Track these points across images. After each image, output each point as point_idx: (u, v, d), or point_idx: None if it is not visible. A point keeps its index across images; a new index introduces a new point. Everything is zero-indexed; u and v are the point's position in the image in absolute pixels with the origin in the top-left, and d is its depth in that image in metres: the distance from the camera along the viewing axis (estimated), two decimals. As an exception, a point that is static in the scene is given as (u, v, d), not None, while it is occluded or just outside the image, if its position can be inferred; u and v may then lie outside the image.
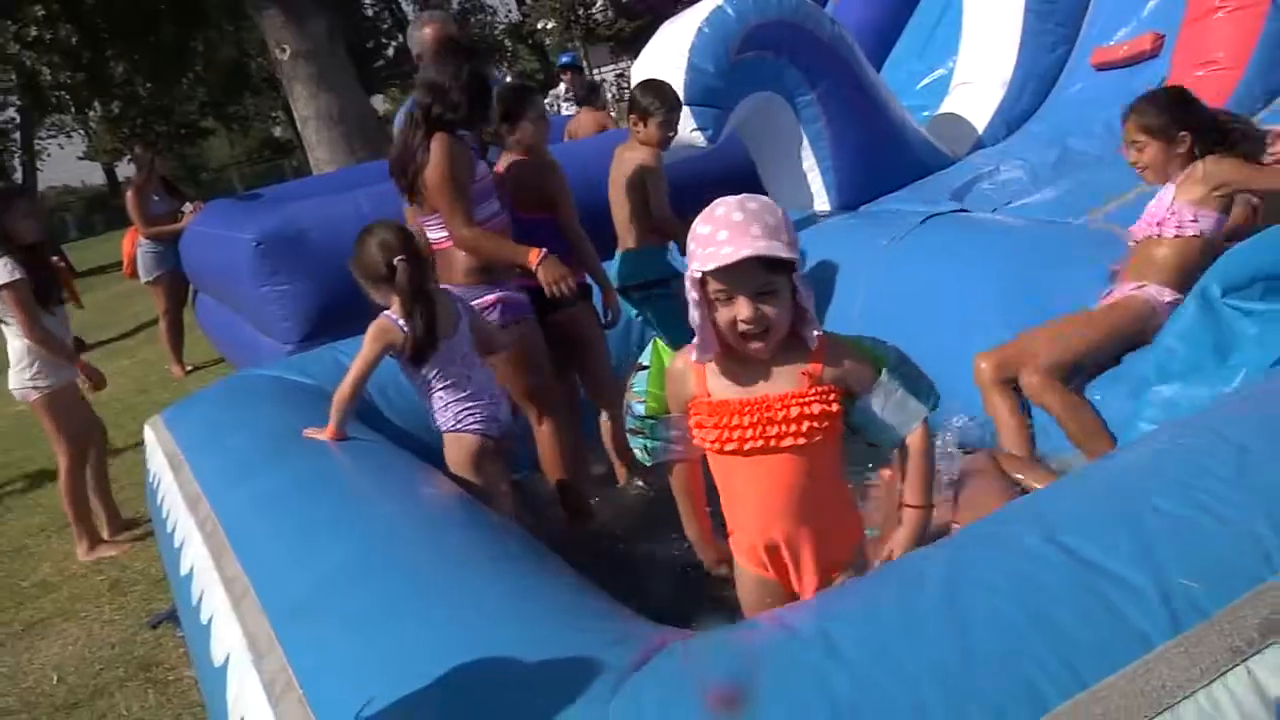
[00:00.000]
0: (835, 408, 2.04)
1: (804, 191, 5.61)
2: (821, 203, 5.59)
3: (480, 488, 3.26)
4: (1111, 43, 6.00)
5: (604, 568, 3.46)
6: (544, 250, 3.63)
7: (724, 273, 1.92)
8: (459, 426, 3.34)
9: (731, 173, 5.96)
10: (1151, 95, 3.58)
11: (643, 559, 3.66)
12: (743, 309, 1.94)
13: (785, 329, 2.00)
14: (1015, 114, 6.28)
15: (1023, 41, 6.32)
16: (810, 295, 2.00)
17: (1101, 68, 5.97)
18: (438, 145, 3.60)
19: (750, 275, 1.92)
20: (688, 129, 5.10)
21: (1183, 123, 3.42)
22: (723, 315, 1.97)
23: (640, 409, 2.23)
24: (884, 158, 5.65)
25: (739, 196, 1.97)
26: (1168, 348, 2.82)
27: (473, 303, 3.63)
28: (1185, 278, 3.32)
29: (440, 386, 3.32)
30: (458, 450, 3.35)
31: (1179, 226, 3.39)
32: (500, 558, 2.44)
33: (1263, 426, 1.94)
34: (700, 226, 1.96)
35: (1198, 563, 1.61)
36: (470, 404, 3.34)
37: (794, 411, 2.01)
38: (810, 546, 2.13)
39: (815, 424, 2.01)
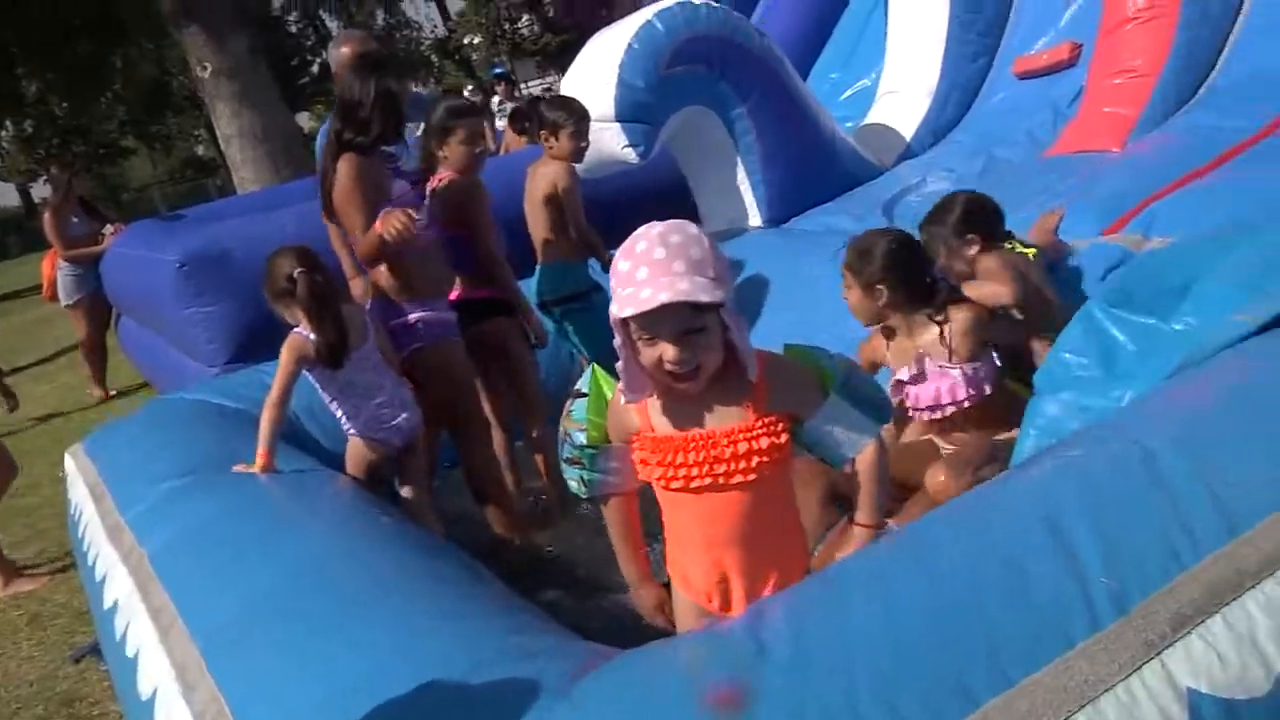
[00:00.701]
0: (784, 438, 1.93)
1: (736, 204, 5.63)
2: (753, 215, 5.62)
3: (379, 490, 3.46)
4: (1032, 52, 6.12)
5: (535, 583, 3.44)
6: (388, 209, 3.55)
7: (645, 316, 1.78)
8: (366, 434, 3.51)
9: (663, 187, 6.00)
10: (869, 238, 3.32)
11: (575, 574, 3.63)
12: (668, 351, 1.80)
13: (716, 366, 1.86)
14: (941, 123, 6.37)
15: (947, 51, 6.41)
16: (743, 327, 1.88)
17: (1023, 76, 6.09)
18: (344, 166, 3.60)
19: (674, 316, 1.77)
20: (619, 145, 5.10)
21: (882, 276, 3.21)
22: (648, 355, 1.83)
23: (581, 438, 2.12)
24: (814, 170, 5.69)
25: (663, 227, 1.82)
26: (1056, 360, 2.86)
27: (395, 321, 3.69)
28: (1014, 409, 3.18)
29: (354, 393, 3.46)
30: (361, 455, 3.52)
31: (981, 385, 3.24)
32: (431, 578, 2.43)
33: (1170, 430, 2.00)
34: (620, 263, 1.82)
35: (1114, 562, 1.66)
36: (381, 412, 3.50)
37: (742, 448, 1.90)
38: (761, 575, 2.03)
39: (764, 458, 1.91)
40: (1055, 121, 5.48)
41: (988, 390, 3.25)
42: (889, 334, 3.37)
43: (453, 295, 4.07)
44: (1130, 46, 4.95)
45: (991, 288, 3.36)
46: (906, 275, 3.24)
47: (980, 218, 3.60)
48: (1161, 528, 1.71)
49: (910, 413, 3.38)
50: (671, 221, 1.85)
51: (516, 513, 4.06)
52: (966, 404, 3.25)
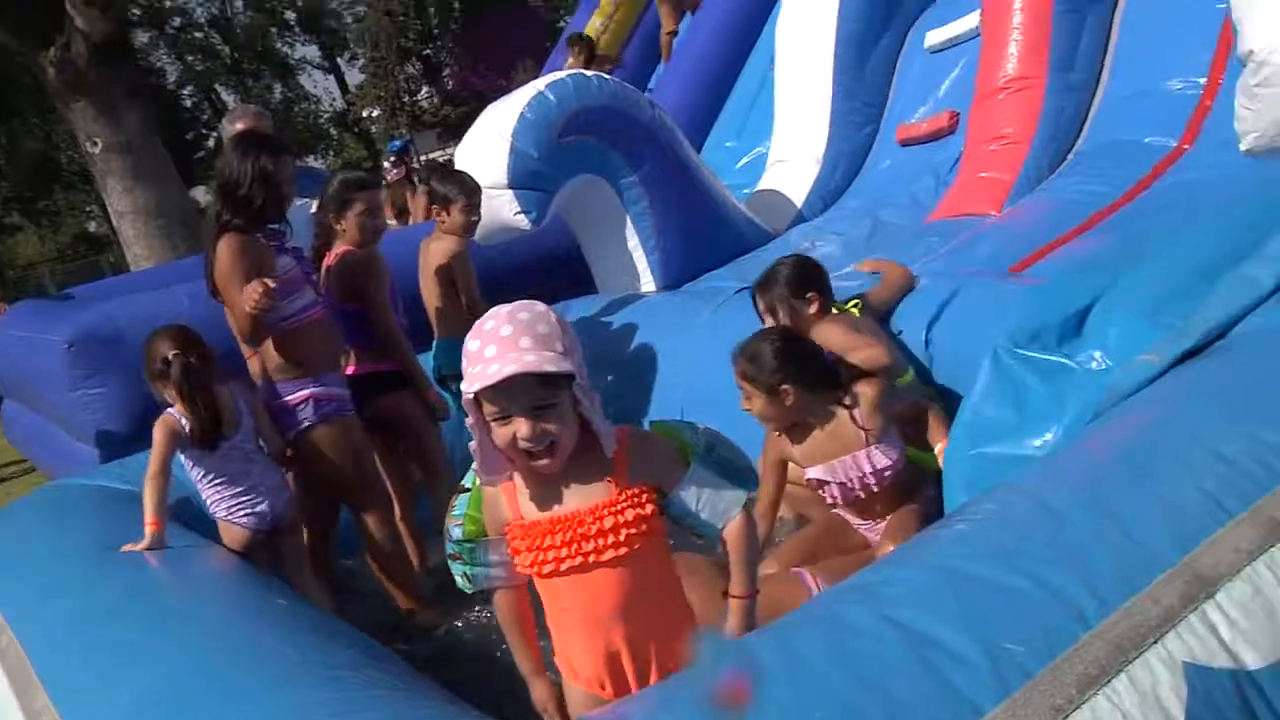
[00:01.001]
0: (650, 509, 1.94)
1: (629, 271, 5.72)
2: (647, 282, 5.71)
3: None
4: (913, 120, 6.35)
5: (440, 661, 3.42)
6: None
7: (495, 392, 1.80)
8: (230, 518, 3.57)
9: (557, 254, 6.07)
10: (756, 343, 3.19)
11: (482, 652, 3.58)
12: (521, 427, 1.82)
13: (572, 442, 1.89)
14: (830, 189, 6.56)
15: (832, 120, 6.63)
16: (595, 401, 1.90)
17: (905, 143, 6.31)
18: (223, 246, 3.58)
19: (524, 392, 1.81)
20: (511, 212, 5.16)
21: (783, 376, 3.11)
22: (502, 435, 1.85)
23: (458, 532, 2.10)
24: (706, 236, 5.81)
25: (511, 306, 1.88)
26: (973, 409, 2.93)
27: (285, 399, 3.70)
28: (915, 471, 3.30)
29: (217, 480, 3.53)
30: (229, 539, 3.57)
31: (898, 454, 3.20)
32: (331, 665, 2.36)
33: (1074, 490, 2.02)
34: (470, 342, 1.85)
35: (1020, 627, 1.67)
36: (244, 498, 3.56)
37: (608, 523, 1.90)
38: (651, 650, 2.02)
39: (632, 530, 1.91)
40: (937, 186, 5.68)
41: (902, 458, 3.22)
42: (798, 433, 3.25)
43: (349, 369, 4.06)
44: (1002, 115, 5.18)
45: (864, 354, 3.37)
46: (807, 367, 3.16)
47: (812, 276, 3.68)
48: (1068, 588, 1.72)
49: (830, 501, 3.29)
50: (521, 301, 1.90)
51: (420, 590, 4.01)
52: (890, 476, 3.19)
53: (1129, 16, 5.15)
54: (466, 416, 1.92)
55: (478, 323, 1.88)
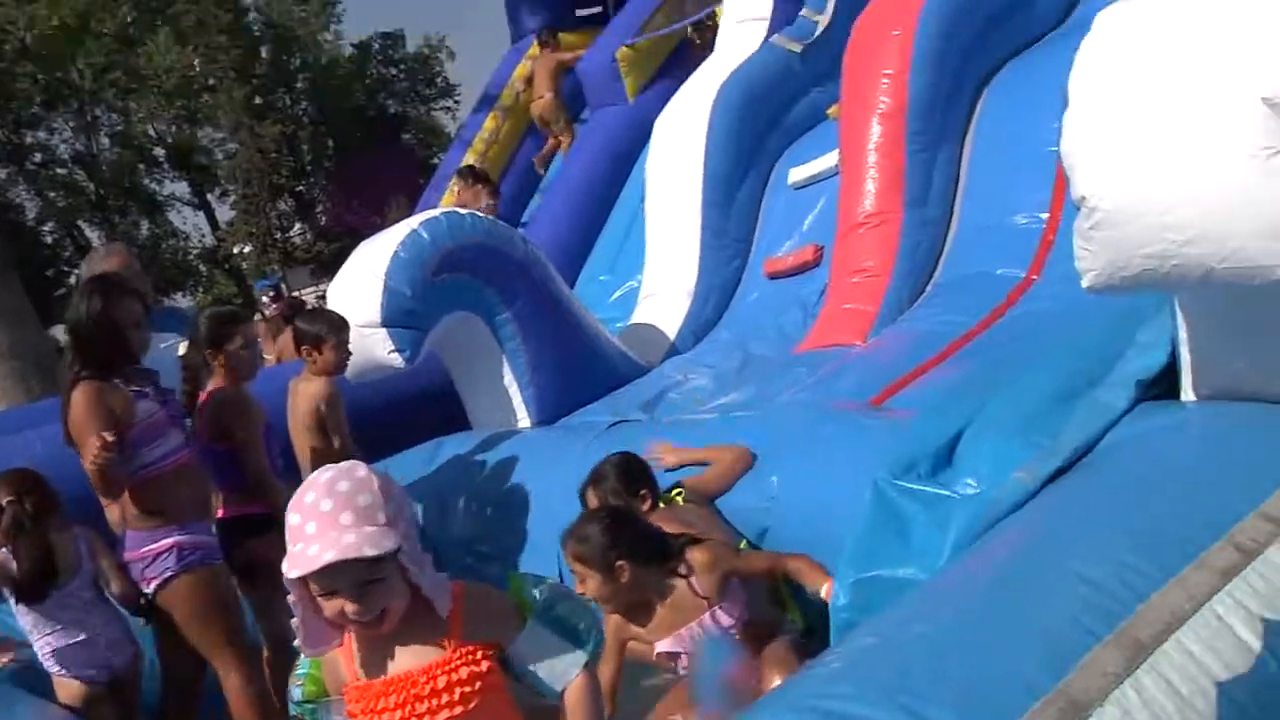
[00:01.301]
0: (485, 666, 1.90)
1: (504, 407, 5.70)
2: (522, 418, 5.69)
3: None
4: (779, 254, 6.54)
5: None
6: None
7: (318, 573, 1.74)
8: (64, 672, 3.46)
9: (431, 391, 6.03)
10: (584, 524, 3.16)
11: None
12: (348, 605, 1.77)
13: (403, 606, 1.85)
14: (701, 322, 6.69)
15: (702, 255, 6.81)
16: (426, 564, 1.86)
17: (772, 276, 6.49)
18: (78, 396, 3.47)
19: (347, 573, 1.75)
20: (385, 350, 5.11)
21: (618, 553, 3.04)
22: (330, 608, 1.80)
23: (299, 693, 2.06)
24: (580, 371, 5.84)
25: (332, 473, 1.81)
26: (855, 539, 2.96)
27: (146, 548, 3.55)
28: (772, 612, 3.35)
29: (50, 630, 3.45)
30: (65, 696, 3.46)
31: (740, 610, 3.16)
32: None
33: (950, 618, 2.03)
34: (290, 516, 1.79)
35: None
36: (79, 650, 3.46)
37: (441, 682, 1.86)
38: None
39: (467, 688, 1.87)
40: (805, 318, 5.84)
41: (747, 614, 3.18)
42: (639, 613, 3.18)
43: (220, 512, 3.92)
44: (863, 249, 5.38)
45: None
46: (639, 541, 3.11)
47: (640, 474, 3.67)
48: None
49: (684, 671, 3.17)
50: (342, 466, 1.84)
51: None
52: (735, 631, 3.12)
53: (976, 155, 5.45)
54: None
55: (298, 493, 1.82)
